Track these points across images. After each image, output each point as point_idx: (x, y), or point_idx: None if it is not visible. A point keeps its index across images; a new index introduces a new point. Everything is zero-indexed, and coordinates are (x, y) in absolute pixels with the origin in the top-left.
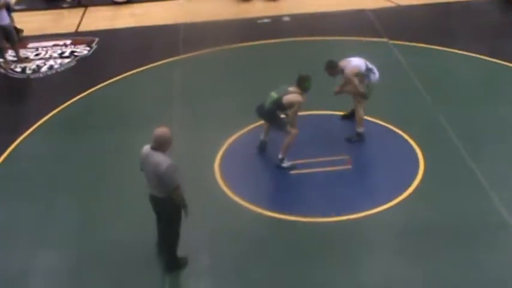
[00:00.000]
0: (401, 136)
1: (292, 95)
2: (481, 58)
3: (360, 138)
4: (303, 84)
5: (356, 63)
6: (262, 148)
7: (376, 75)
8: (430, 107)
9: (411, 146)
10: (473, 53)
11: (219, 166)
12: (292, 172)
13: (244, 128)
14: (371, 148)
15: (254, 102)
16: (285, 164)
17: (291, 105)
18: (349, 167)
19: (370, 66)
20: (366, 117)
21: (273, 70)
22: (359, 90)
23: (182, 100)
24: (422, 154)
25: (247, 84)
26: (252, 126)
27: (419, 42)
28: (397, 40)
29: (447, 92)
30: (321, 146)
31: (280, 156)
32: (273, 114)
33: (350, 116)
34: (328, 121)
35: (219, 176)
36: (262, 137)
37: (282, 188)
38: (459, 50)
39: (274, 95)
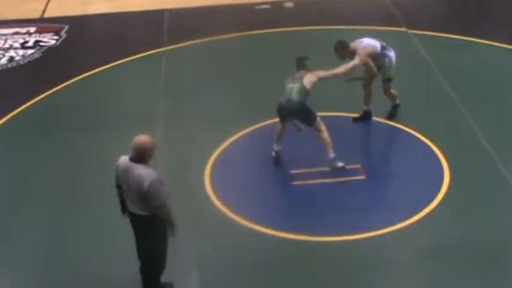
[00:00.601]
0: (423, 141)
1: (309, 76)
2: (510, 48)
3: (395, 110)
4: (303, 64)
5: (369, 42)
6: (278, 159)
7: (392, 53)
8: (457, 107)
9: (434, 153)
10: (507, 43)
11: (211, 176)
12: (295, 183)
13: (240, 131)
14: (387, 155)
15: (251, 101)
16: (339, 164)
17: (314, 86)
18: (362, 177)
19: (384, 44)
20: (378, 119)
21: (273, 64)
22: (373, 72)
23: (168, 99)
24: (447, 162)
25: (243, 80)
26: (249, 129)
27: (442, 32)
28: (418, 29)
29: (476, 90)
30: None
31: (331, 155)
32: (305, 106)
33: (364, 118)
34: (337, 124)
35: (211, 188)
36: (276, 147)
37: (284, 202)
38: (489, 40)
39: (294, 85)
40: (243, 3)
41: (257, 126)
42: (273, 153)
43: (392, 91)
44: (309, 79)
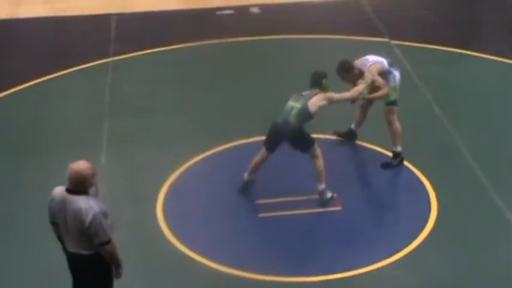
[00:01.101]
0: (408, 168)
1: (318, 97)
2: (509, 63)
3: (397, 160)
4: (320, 82)
5: (376, 58)
6: (246, 189)
7: (397, 72)
8: (446, 129)
9: (420, 181)
10: (500, 56)
11: (164, 207)
12: (262, 215)
13: (199, 154)
14: (367, 183)
15: (211, 120)
16: (328, 195)
17: (319, 109)
18: (339, 208)
19: (390, 61)
20: (359, 143)
21: (237, 77)
22: (386, 92)
23: (114, 117)
24: (435, 191)
25: (202, 96)
26: (209, 152)
27: (429, 43)
28: (402, 40)
29: (467, 109)
30: (300, 179)
31: (321, 187)
32: (302, 130)
33: (346, 137)
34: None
35: (164, 221)
36: (248, 176)
37: (248, 237)
38: (482, 53)
39: (296, 104)
40: (202, 7)
41: (218, 148)
42: (243, 182)
43: (397, 122)
44: (316, 101)
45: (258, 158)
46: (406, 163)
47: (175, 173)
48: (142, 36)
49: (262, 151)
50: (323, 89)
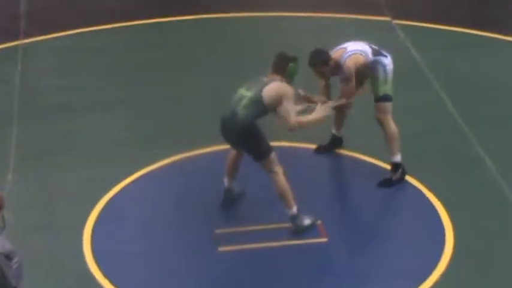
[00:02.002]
0: (412, 185)
1: (276, 84)
2: None
3: (397, 173)
4: (284, 66)
5: (356, 47)
6: (228, 201)
7: (388, 59)
8: (462, 134)
9: (428, 201)
10: None
11: (92, 239)
12: (222, 249)
13: (140, 169)
14: (359, 205)
15: (154, 122)
16: (305, 221)
17: (278, 100)
18: (324, 239)
19: (377, 48)
20: (347, 153)
21: (189, 68)
22: (349, 101)
23: (25, 119)
24: (448, 214)
25: (140, 88)
26: (154, 165)
27: (440, 23)
28: (407, 19)
29: (488, 106)
30: (274, 203)
31: (291, 211)
32: (252, 129)
33: (331, 147)
34: (287, 157)
35: (92, 257)
36: (226, 182)
37: (204, 279)
38: (505, 35)
39: (246, 93)
40: None
41: (166, 161)
42: (224, 191)
43: (392, 123)
44: (277, 89)
45: (229, 156)
46: (409, 178)
47: (108, 194)
48: (63, 14)
49: (232, 150)
50: (288, 76)
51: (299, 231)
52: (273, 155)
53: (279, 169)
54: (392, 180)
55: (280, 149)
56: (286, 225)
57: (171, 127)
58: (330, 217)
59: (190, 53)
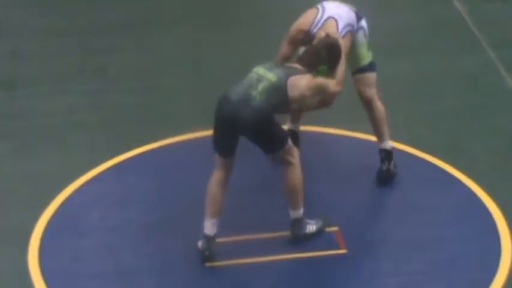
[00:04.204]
0: (452, 175)
1: (307, 81)
2: None
3: (393, 162)
4: (317, 65)
5: (346, 19)
6: (213, 253)
7: (364, 19)
8: None
9: (478, 199)
10: None
11: (40, 253)
12: (209, 264)
13: (100, 163)
14: (381, 204)
15: (120, 106)
16: (312, 226)
17: (302, 100)
18: (342, 251)
19: (357, 10)
20: (356, 134)
21: (175, 25)
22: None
23: None
24: (505, 217)
25: (109, 54)
26: (117, 159)
27: None
28: None
29: None
30: (278, 205)
31: (296, 213)
32: (269, 117)
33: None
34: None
35: (40, 274)
36: (208, 229)
37: None
38: None
39: (267, 74)
40: None
41: (137, 150)
42: (204, 245)
43: (378, 99)
44: (304, 83)
45: (210, 185)
46: (451, 169)
47: (62, 194)
48: None
49: (216, 161)
50: (314, 74)
51: (301, 239)
52: (290, 143)
53: (295, 159)
54: (392, 171)
55: None
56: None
57: (144, 106)
58: (348, 222)
59: (177, 6)
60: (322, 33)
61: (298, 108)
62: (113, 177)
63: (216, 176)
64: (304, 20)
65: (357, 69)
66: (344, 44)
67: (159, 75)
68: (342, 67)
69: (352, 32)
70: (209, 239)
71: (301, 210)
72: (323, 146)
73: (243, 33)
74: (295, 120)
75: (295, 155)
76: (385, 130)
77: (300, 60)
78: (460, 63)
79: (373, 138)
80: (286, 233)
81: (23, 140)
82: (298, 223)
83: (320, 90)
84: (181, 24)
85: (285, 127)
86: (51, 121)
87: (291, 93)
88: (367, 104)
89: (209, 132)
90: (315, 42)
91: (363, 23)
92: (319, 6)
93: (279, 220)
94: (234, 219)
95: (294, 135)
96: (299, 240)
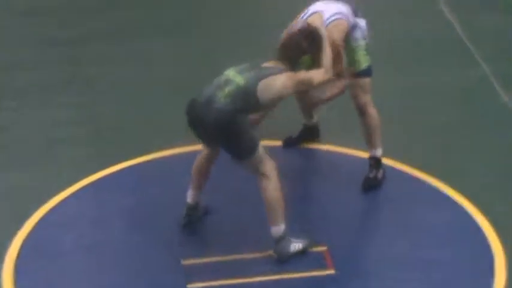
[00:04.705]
0: (442, 193)
1: (283, 80)
2: None
3: (381, 170)
4: (297, 58)
5: (336, 8)
6: (193, 222)
7: (363, 22)
8: None
9: (470, 217)
10: None
11: (15, 279)
12: (192, 286)
13: (85, 176)
14: (371, 222)
15: (97, 117)
16: (296, 245)
17: (279, 100)
18: (330, 272)
19: (353, 7)
20: (330, 148)
21: (165, 34)
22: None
23: None
24: (498, 236)
25: (96, 65)
26: (93, 177)
27: None
28: None
29: None
30: (263, 223)
31: (276, 230)
32: (235, 122)
33: (303, 138)
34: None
35: None
36: (191, 195)
37: None
38: None
39: (236, 78)
40: None
41: (119, 166)
42: (186, 208)
43: (372, 105)
44: (280, 84)
45: (198, 158)
46: (442, 186)
47: (39, 212)
48: None
49: (203, 147)
50: (297, 68)
51: (285, 259)
52: (262, 150)
53: (270, 170)
54: (379, 179)
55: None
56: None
57: (131, 120)
58: (337, 241)
59: (169, 14)
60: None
61: (311, 103)
62: (92, 195)
63: (201, 154)
64: (293, 23)
65: (353, 74)
66: (331, 29)
67: (146, 88)
68: (327, 52)
69: (345, 19)
70: (189, 207)
71: (282, 226)
72: (311, 162)
73: (236, 43)
74: (307, 115)
75: (269, 166)
76: (377, 137)
77: (280, 57)
78: (453, 77)
79: (364, 154)
80: (271, 252)
81: (5, 153)
82: (281, 241)
83: (303, 85)
84: (172, 34)
85: (304, 121)
86: (34, 134)
87: (261, 96)
88: (361, 110)
89: (193, 148)
90: (291, 34)
91: (362, 23)
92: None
93: (265, 238)
94: (218, 237)
95: (310, 129)
96: (283, 260)
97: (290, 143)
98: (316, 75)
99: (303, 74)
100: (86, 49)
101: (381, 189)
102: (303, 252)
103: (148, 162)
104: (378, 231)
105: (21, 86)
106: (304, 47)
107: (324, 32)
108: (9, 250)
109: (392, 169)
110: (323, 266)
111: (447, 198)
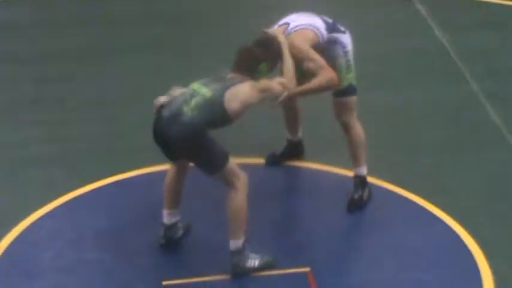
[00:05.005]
0: (430, 212)
1: (248, 88)
2: None
3: (366, 190)
4: (252, 66)
5: (305, 21)
6: (170, 242)
7: (346, 36)
8: (503, 142)
9: (457, 237)
10: None
11: None
12: None
13: (58, 196)
14: (356, 242)
15: (84, 127)
16: (252, 260)
17: (245, 109)
18: None
19: (331, 21)
20: (313, 166)
21: (140, 48)
22: (329, 76)
23: None
24: (486, 257)
25: (69, 80)
26: (80, 191)
27: None
28: None
29: None
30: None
31: (234, 243)
32: (201, 136)
33: (287, 155)
34: (253, 177)
35: None
36: (167, 216)
37: None
38: None
39: (203, 89)
40: None
41: (94, 185)
42: (163, 229)
43: (358, 123)
44: (246, 94)
45: (168, 175)
46: (429, 206)
47: (9, 235)
48: None
49: (171, 165)
50: (257, 77)
51: (238, 273)
52: (232, 164)
53: (240, 182)
54: (364, 200)
55: (249, 166)
56: (266, 272)
57: (106, 136)
58: (321, 263)
59: (140, 29)
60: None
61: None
62: (67, 214)
63: (170, 172)
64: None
65: (335, 92)
66: (292, 37)
67: (118, 107)
68: (286, 59)
69: (312, 30)
70: (166, 228)
71: (241, 241)
72: (295, 180)
73: (206, 61)
74: (292, 130)
75: (240, 178)
76: (362, 155)
77: (237, 68)
78: (441, 95)
79: (350, 173)
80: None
81: None
82: (237, 255)
83: (265, 93)
84: (143, 51)
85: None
86: (2, 155)
87: (228, 106)
88: (345, 127)
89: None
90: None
91: (343, 38)
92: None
93: None
94: (198, 256)
95: (295, 145)
96: (236, 274)
97: (273, 160)
98: (277, 83)
99: (264, 82)
100: (54, 67)
101: (367, 208)
102: (260, 270)
103: (123, 180)
104: (364, 252)
105: None
106: (257, 55)
107: (282, 38)
108: None
109: (379, 188)
110: None
111: (435, 219)
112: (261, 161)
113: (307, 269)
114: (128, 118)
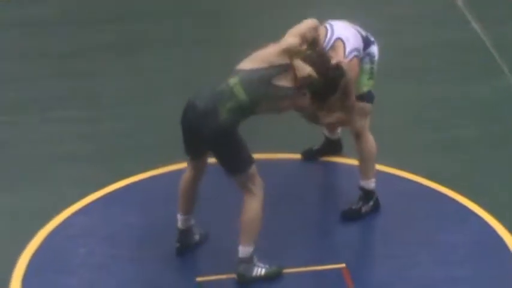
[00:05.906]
0: (468, 208)
1: (290, 101)
2: None
3: (369, 203)
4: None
5: (347, 34)
6: (185, 246)
7: (375, 47)
8: None
9: (503, 242)
10: None
11: None
12: None
13: (90, 192)
14: (392, 239)
15: (119, 125)
16: (258, 269)
17: (305, 82)
18: None
19: (365, 33)
20: (382, 170)
21: (180, 45)
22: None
23: None
24: None
25: (102, 78)
26: (111, 187)
27: None
28: None
29: None
30: (290, 236)
31: (244, 251)
32: (231, 133)
33: (323, 152)
34: (282, 171)
35: None
36: (181, 219)
37: None
38: None
39: (239, 91)
40: None
41: (126, 181)
42: (177, 234)
43: (369, 132)
44: (284, 106)
45: (183, 178)
46: (467, 202)
47: (43, 231)
48: None
49: (188, 161)
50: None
51: (243, 281)
52: (254, 169)
53: (257, 189)
54: (361, 213)
55: (278, 161)
56: (301, 269)
57: (139, 132)
58: (356, 259)
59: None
60: (334, 61)
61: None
62: (100, 210)
63: (186, 175)
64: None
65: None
66: (350, 70)
67: (150, 102)
68: (352, 95)
69: (358, 57)
70: (181, 232)
71: (251, 248)
72: (331, 176)
73: (238, 56)
74: (331, 129)
75: (258, 185)
76: (370, 167)
77: (304, 81)
78: (478, 89)
79: (381, 168)
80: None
81: (3, 171)
82: (245, 263)
83: (301, 109)
84: (172, 47)
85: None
86: (34, 151)
87: (259, 111)
88: (356, 135)
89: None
90: (328, 71)
91: (372, 49)
92: (327, 25)
93: (276, 252)
94: (232, 253)
95: (332, 143)
96: (241, 282)
97: (310, 156)
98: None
99: (307, 101)
100: (87, 62)
101: (403, 204)
102: (265, 279)
103: (156, 176)
104: (399, 248)
105: (16, 100)
106: (324, 87)
107: (350, 78)
108: (16, 267)
109: (414, 183)
110: (342, 285)
111: (471, 214)
112: (297, 156)
113: (342, 265)
114: (161, 114)
